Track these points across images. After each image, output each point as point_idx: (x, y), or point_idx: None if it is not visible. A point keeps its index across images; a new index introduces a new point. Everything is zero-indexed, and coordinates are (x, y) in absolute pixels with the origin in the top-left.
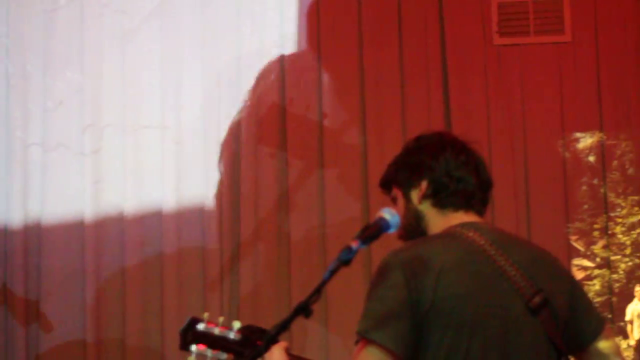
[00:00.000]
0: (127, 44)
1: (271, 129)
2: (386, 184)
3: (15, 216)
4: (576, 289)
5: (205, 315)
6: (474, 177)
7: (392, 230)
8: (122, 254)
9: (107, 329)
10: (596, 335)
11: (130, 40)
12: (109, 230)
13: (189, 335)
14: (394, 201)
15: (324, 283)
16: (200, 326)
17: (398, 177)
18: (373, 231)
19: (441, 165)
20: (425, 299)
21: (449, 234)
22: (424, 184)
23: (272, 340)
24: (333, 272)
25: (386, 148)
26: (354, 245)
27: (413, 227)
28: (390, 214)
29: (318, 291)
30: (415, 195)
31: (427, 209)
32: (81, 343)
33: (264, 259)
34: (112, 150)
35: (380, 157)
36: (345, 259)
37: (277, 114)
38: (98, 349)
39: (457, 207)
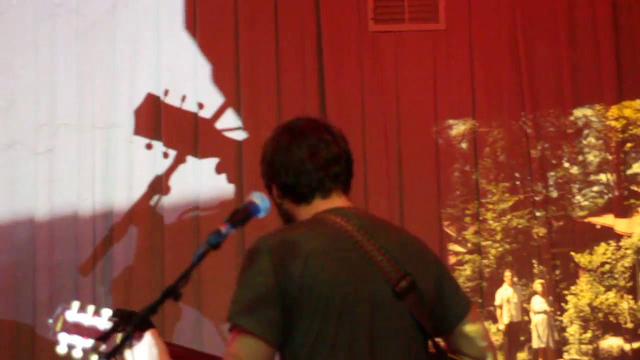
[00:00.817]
0: (80, 44)
1: (147, 117)
2: (262, 176)
3: None
4: (443, 272)
5: (75, 303)
6: (323, 170)
7: (262, 215)
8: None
9: None
10: (462, 317)
11: (84, 40)
12: (62, 229)
13: (59, 323)
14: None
15: (192, 267)
16: (70, 314)
17: (261, 170)
18: (242, 215)
19: (286, 167)
20: (293, 285)
21: (316, 220)
22: (274, 188)
23: (140, 323)
24: (201, 256)
25: (262, 133)
26: (223, 229)
27: (285, 218)
28: (260, 198)
29: (186, 275)
30: (274, 194)
31: (288, 205)
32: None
33: (138, 243)
34: (66, 149)
35: (255, 142)
36: (214, 243)
37: (152, 103)
38: None
39: (313, 198)
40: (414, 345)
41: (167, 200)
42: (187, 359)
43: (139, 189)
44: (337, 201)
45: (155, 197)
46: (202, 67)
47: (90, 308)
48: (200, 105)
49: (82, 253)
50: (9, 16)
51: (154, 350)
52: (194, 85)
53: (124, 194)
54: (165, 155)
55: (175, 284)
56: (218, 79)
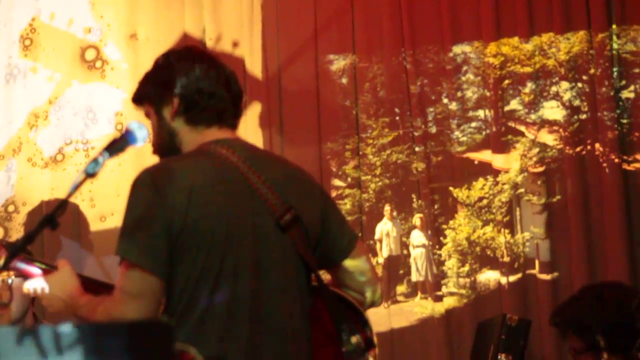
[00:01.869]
0: None
1: None
2: (138, 100)
3: None
4: (329, 206)
5: None
6: (226, 92)
7: (139, 144)
8: None
9: None
10: (348, 252)
11: None
12: None
13: None
14: (147, 117)
15: (69, 195)
16: None
17: (149, 94)
18: (120, 143)
19: (192, 81)
20: (177, 217)
21: (201, 152)
22: (176, 101)
23: (18, 250)
24: (79, 185)
25: None
26: (100, 157)
27: (167, 144)
28: (138, 127)
29: (64, 203)
30: (167, 112)
31: (180, 126)
32: None
33: None
34: None
35: None
36: (91, 172)
37: None
38: None
39: (209, 123)
40: (296, 278)
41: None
42: (90, 289)
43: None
44: (226, 133)
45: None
46: None
47: None
48: None
49: None
50: None
51: (70, 281)
52: None
53: None
54: None
55: (53, 212)
56: None
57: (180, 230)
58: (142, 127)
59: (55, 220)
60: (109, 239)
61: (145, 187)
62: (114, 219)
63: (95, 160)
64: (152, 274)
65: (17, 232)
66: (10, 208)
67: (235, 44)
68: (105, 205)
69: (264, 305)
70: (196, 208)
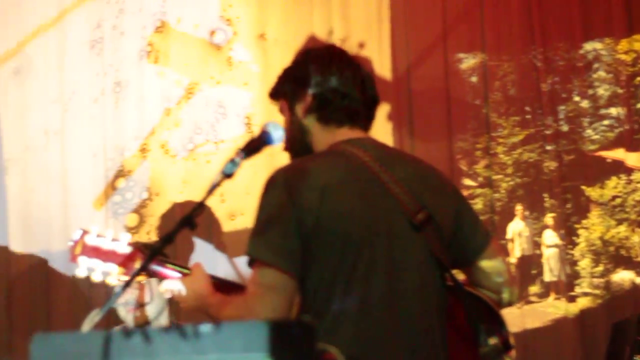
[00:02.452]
0: None
1: None
2: (274, 95)
3: None
4: (462, 204)
5: (94, 227)
6: (360, 93)
7: (275, 144)
8: None
9: None
10: (481, 250)
11: None
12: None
13: (78, 247)
14: (281, 112)
15: (207, 196)
16: (90, 238)
17: (284, 89)
18: (256, 144)
19: (326, 80)
20: (310, 217)
21: (333, 151)
22: (309, 98)
23: (156, 252)
24: (216, 185)
25: None
26: (237, 157)
27: (297, 141)
28: (274, 127)
29: (201, 204)
30: (300, 108)
31: (311, 124)
32: None
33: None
34: None
35: None
36: (229, 172)
37: None
38: None
39: (341, 123)
40: (431, 278)
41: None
42: (222, 289)
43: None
44: (357, 133)
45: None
46: None
47: (109, 232)
48: None
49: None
50: None
51: (201, 283)
52: None
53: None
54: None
55: (191, 213)
56: None
57: (313, 230)
58: (278, 127)
59: (193, 221)
60: (241, 239)
61: (278, 187)
62: (244, 218)
63: (232, 161)
64: (284, 272)
65: (151, 219)
66: (144, 195)
67: (361, 45)
68: (236, 204)
69: (399, 306)
70: (328, 208)
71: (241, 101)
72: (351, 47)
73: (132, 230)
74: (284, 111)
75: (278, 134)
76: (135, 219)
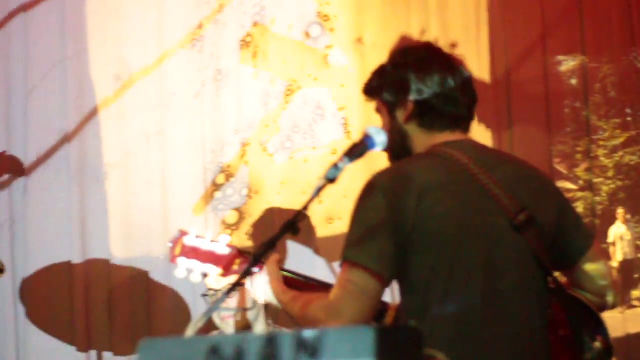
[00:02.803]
0: None
1: None
2: (370, 93)
3: None
4: (564, 205)
5: (193, 229)
6: (462, 96)
7: (379, 149)
8: None
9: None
10: (584, 252)
11: None
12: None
13: (177, 248)
14: (377, 112)
15: (310, 201)
16: (189, 239)
17: (384, 94)
18: (359, 149)
19: (429, 85)
20: (408, 219)
21: (432, 153)
22: (411, 105)
23: (260, 257)
24: (320, 190)
25: None
26: (340, 162)
27: (397, 145)
28: (376, 132)
29: (305, 209)
30: (401, 114)
31: (412, 129)
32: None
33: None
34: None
35: None
36: (332, 177)
37: None
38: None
39: (443, 128)
40: (532, 280)
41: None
42: (299, 285)
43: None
44: (457, 135)
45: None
46: None
47: (208, 234)
48: None
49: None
50: None
51: (271, 278)
52: None
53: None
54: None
55: (294, 218)
56: None
57: (410, 233)
58: (381, 132)
59: (296, 226)
60: (339, 244)
61: (375, 191)
62: (342, 223)
63: (335, 166)
64: (375, 275)
65: (250, 219)
66: (244, 192)
67: (453, 45)
68: (333, 207)
69: (499, 308)
70: (426, 209)
71: (338, 102)
72: (450, 49)
73: (231, 227)
74: (382, 113)
75: (381, 139)
76: (234, 216)
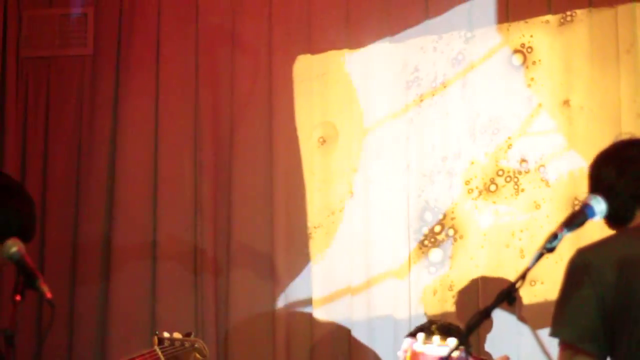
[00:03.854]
0: None
1: None
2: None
3: None
4: None
5: (420, 335)
6: None
7: (597, 218)
8: None
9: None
10: None
11: None
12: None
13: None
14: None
15: (528, 270)
16: (417, 345)
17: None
18: (579, 218)
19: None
20: (609, 293)
21: (636, 227)
22: None
23: (473, 327)
24: (537, 259)
25: None
26: (559, 232)
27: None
28: (597, 201)
29: (523, 277)
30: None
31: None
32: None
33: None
34: None
35: None
36: (550, 247)
37: None
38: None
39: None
40: None
41: None
42: None
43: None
44: None
45: None
46: None
47: (436, 338)
48: None
49: None
50: None
51: None
52: None
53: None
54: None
55: (511, 286)
56: None
57: (614, 307)
58: (600, 201)
59: (512, 296)
60: (542, 311)
61: (577, 267)
62: (544, 287)
63: (554, 235)
64: (591, 357)
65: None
66: (450, 232)
67: None
68: (536, 270)
69: None
70: (627, 282)
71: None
72: None
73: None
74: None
75: (600, 207)
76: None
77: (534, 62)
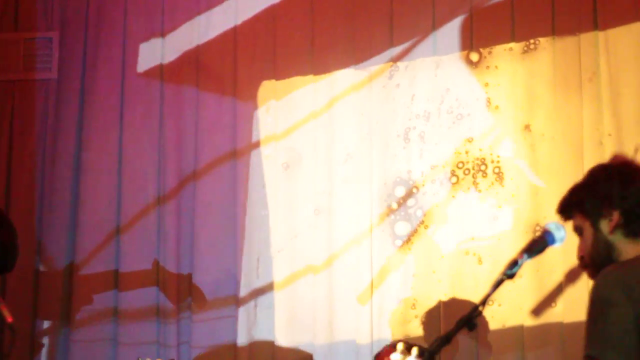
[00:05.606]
0: None
1: None
2: (567, 211)
3: None
4: None
5: (399, 344)
6: None
7: (558, 244)
8: None
9: None
10: None
11: None
12: None
13: None
14: (577, 230)
15: (487, 296)
16: (395, 356)
17: (586, 207)
18: (539, 245)
19: (633, 194)
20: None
21: None
22: (616, 215)
23: (434, 353)
24: (497, 286)
25: None
26: (519, 258)
27: (602, 258)
28: (556, 228)
29: (482, 304)
30: (605, 226)
31: (617, 239)
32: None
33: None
34: None
35: None
36: (510, 274)
37: None
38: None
39: None
40: None
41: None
42: None
43: None
44: None
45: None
46: None
47: (414, 350)
48: None
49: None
50: None
51: None
52: None
53: None
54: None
55: (470, 314)
56: None
57: None
58: (560, 228)
59: (473, 322)
60: (506, 337)
61: (613, 288)
62: (503, 309)
63: (515, 262)
64: None
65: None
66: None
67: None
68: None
69: None
70: None
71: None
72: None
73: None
74: (584, 227)
75: (560, 234)
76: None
77: (497, 85)
